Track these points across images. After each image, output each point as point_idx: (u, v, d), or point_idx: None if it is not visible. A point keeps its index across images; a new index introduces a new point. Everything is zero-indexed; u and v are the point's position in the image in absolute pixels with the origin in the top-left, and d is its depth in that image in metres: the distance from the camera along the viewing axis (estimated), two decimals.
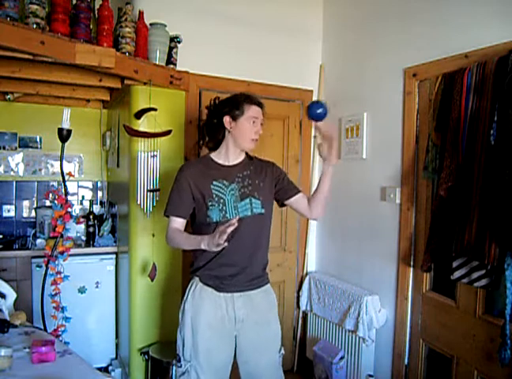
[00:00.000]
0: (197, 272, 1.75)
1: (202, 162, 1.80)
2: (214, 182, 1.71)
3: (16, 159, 3.23)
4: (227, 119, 1.72)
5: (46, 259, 2.34)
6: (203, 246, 1.56)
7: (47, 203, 3.17)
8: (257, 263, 1.77)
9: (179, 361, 1.74)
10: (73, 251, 2.53)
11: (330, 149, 1.69)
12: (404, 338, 2.35)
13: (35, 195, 3.31)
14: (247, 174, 1.77)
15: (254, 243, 1.75)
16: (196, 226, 1.79)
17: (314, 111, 1.68)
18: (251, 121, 1.71)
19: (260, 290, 1.79)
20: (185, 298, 1.78)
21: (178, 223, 1.76)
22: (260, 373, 1.79)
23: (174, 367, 1.80)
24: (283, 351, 1.86)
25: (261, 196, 1.74)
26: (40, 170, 3.29)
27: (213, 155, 1.80)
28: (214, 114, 1.77)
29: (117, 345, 3.05)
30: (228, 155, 1.77)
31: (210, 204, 1.68)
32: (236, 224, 1.47)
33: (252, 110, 1.72)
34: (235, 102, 1.73)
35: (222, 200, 1.70)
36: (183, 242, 1.71)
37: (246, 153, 1.83)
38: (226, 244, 1.49)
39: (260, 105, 1.76)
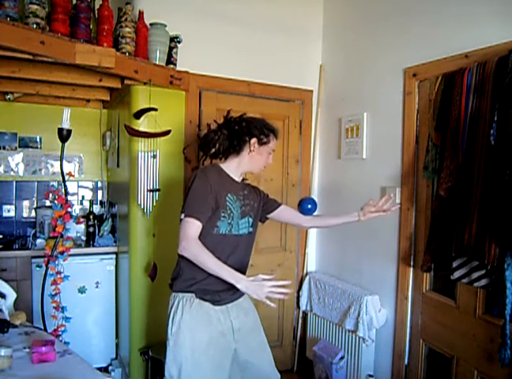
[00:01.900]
0: (192, 288, 1.69)
1: (218, 171, 1.77)
2: (229, 195, 1.72)
3: (16, 159, 3.23)
4: (253, 141, 1.76)
5: (46, 259, 2.34)
6: (238, 286, 1.52)
7: (47, 203, 3.18)
8: (244, 272, 1.81)
9: None
10: (73, 251, 2.53)
11: (372, 213, 1.94)
12: (404, 338, 2.35)
13: (35, 195, 3.31)
14: (246, 193, 1.83)
15: (245, 258, 1.83)
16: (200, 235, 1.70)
17: (306, 206, 1.95)
18: (270, 152, 1.82)
19: (244, 298, 1.83)
20: (178, 316, 1.67)
21: (198, 228, 1.62)
22: (266, 375, 1.82)
23: None
24: None
25: (254, 216, 1.84)
26: (40, 170, 3.29)
27: (224, 167, 1.79)
28: (243, 130, 1.77)
29: (117, 345, 3.05)
30: (238, 171, 1.80)
31: (223, 215, 1.69)
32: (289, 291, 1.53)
33: (274, 144, 1.83)
34: (267, 129, 1.79)
35: (232, 215, 1.71)
36: (210, 264, 1.57)
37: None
38: (271, 304, 1.51)
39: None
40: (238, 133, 1.77)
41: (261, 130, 1.77)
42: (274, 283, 1.51)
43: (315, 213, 1.99)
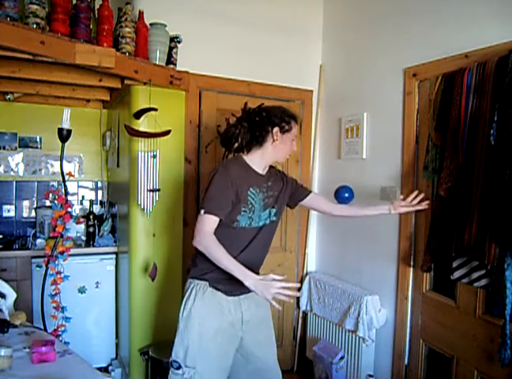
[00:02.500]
0: (206, 276, 1.70)
1: (240, 164, 1.75)
2: (251, 189, 1.71)
3: (16, 159, 3.23)
4: (276, 130, 1.74)
5: (46, 259, 2.34)
6: (246, 283, 1.53)
7: (47, 203, 3.18)
8: (261, 265, 1.84)
9: (178, 368, 1.67)
10: (73, 251, 2.53)
11: (403, 208, 1.94)
12: (404, 338, 2.35)
13: (35, 195, 3.31)
14: (270, 185, 1.80)
15: (264, 248, 1.83)
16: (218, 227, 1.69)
17: (343, 195, 1.96)
18: (293, 139, 1.80)
19: None
20: (190, 302, 1.69)
21: (215, 223, 1.64)
22: (269, 369, 1.83)
23: (170, 373, 1.71)
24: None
25: (277, 206, 1.81)
26: (40, 170, 3.29)
27: (247, 160, 1.77)
28: (264, 120, 1.75)
29: (117, 345, 3.05)
30: (262, 163, 1.79)
31: (243, 209, 1.68)
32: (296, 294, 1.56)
33: (296, 130, 1.82)
34: (287, 116, 1.77)
35: (253, 208, 1.71)
36: (224, 260, 1.59)
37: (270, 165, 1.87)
38: (276, 305, 1.53)
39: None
40: (259, 123, 1.75)
41: (281, 118, 1.75)
42: (283, 284, 1.51)
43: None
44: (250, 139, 1.77)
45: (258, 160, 1.77)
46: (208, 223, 1.62)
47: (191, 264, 1.79)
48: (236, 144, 1.79)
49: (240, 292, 1.73)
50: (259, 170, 1.78)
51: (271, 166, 1.88)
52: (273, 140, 1.74)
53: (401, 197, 1.97)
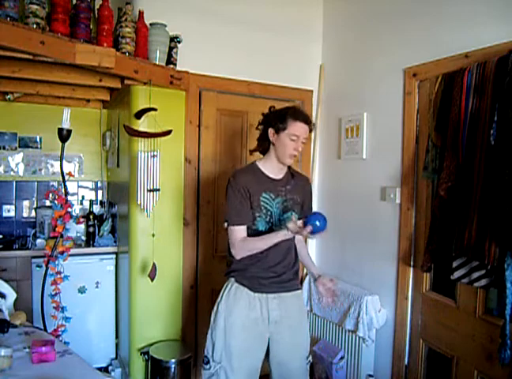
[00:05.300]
0: (233, 273, 1.79)
1: (252, 171, 1.81)
2: (263, 194, 1.75)
3: (16, 159, 3.23)
4: (271, 131, 1.76)
5: (46, 259, 2.34)
6: (284, 233, 1.62)
7: (47, 203, 3.18)
8: (290, 268, 1.84)
9: (207, 363, 1.75)
10: (73, 251, 2.53)
11: (319, 287, 1.86)
12: (404, 338, 2.35)
13: (35, 195, 3.31)
14: (289, 189, 1.82)
15: (288, 251, 1.83)
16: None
17: (313, 222, 1.60)
18: (292, 138, 1.72)
19: (293, 294, 1.83)
20: (219, 299, 1.79)
21: (242, 231, 1.73)
22: (291, 377, 1.82)
23: (201, 370, 1.82)
24: (310, 359, 1.90)
25: (297, 210, 1.83)
26: (40, 170, 3.29)
27: (260, 165, 1.82)
28: (263, 123, 1.81)
29: (117, 345, 3.05)
30: (273, 166, 1.81)
31: (258, 215, 1.73)
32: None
33: (294, 127, 1.72)
34: (282, 115, 1.74)
35: (269, 213, 1.75)
36: (262, 243, 1.69)
37: (289, 167, 1.87)
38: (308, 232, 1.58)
39: (306, 122, 1.75)
40: (262, 127, 1.81)
41: (277, 118, 1.74)
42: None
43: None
44: (261, 143, 1.82)
45: (269, 164, 1.80)
46: (237, 233, 1.73)
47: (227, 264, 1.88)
48: (259, 148, 1.86)
49: (268, 290, 1.75)
50: (272, 174, 1.80)
51: (294, 172, 1.89)
52: (273, 143, 1.77)
53: (330, 282, 1.82)
